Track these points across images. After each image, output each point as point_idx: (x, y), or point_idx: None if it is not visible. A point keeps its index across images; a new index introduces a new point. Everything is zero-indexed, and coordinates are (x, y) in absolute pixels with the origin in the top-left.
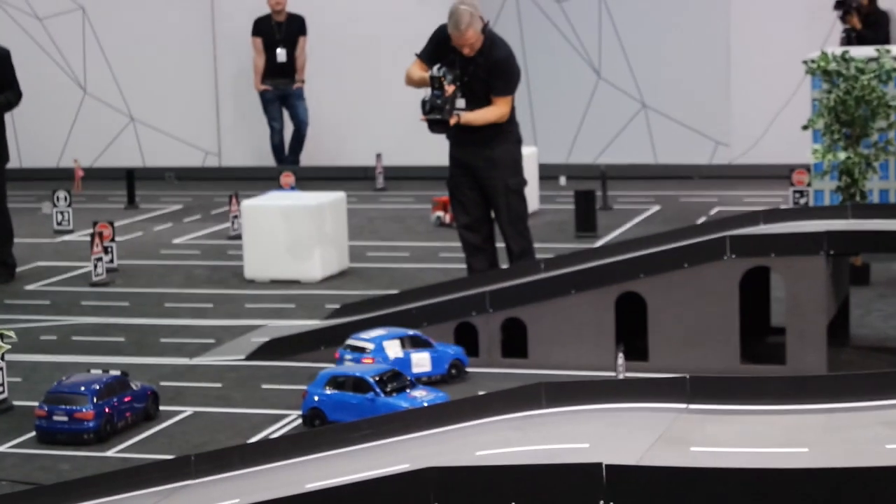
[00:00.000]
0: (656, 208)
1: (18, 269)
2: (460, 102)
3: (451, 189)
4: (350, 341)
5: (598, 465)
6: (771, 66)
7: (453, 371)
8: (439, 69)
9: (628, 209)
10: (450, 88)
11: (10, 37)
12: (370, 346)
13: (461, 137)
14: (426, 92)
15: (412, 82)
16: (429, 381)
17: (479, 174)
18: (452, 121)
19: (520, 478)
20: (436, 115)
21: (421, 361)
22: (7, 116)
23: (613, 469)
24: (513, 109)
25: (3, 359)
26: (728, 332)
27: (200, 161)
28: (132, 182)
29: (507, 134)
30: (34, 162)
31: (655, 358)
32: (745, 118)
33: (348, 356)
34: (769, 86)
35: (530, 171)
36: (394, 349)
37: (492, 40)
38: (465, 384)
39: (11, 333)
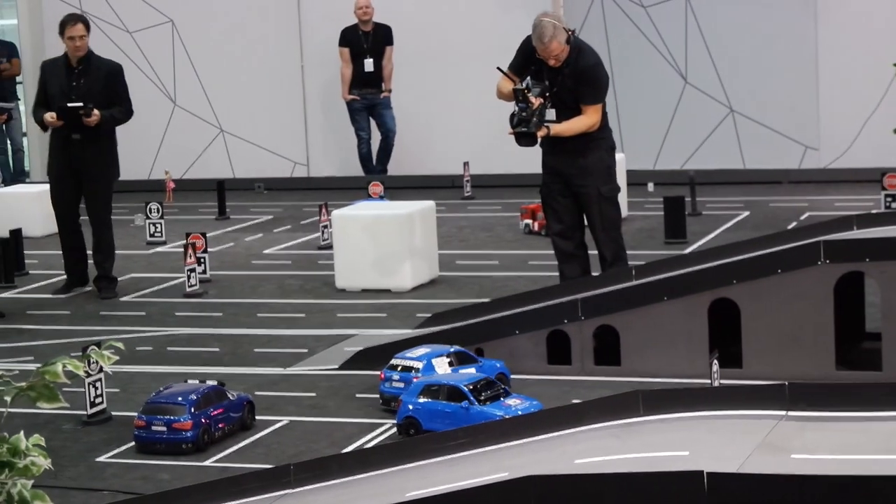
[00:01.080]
0: (746, 214)
1: (114, 278)
2: (550, 114)
3: (544, 196)
4: (396, 361)
5: (699, 472)
6: (859, 69)
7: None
8: (524, 82)
9: (717, 215)
10: (536, 101)
11: (101, 50)
12: (419, 364)
13: (554, 145)
14: (515, 105)
15: (502, 95)
16: None
17: (572, 182)
18: (541, 133)
19: (620, 486)
20: (522, 128)
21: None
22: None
23: (715, 477)
24: (605, 116)
25: (101, 370)
26: (823, 337)
27: (289, 171)
28: (222, 193)
29: (599, 141)
30: (126, 174)
31: (749, 365)
32: (835, 122)
33: (395, 376)
34: (858, 89)
35: (618, 178)
36: (442, 366)
37: (578, 49)
38: (557, 392)
39: (120, 345)
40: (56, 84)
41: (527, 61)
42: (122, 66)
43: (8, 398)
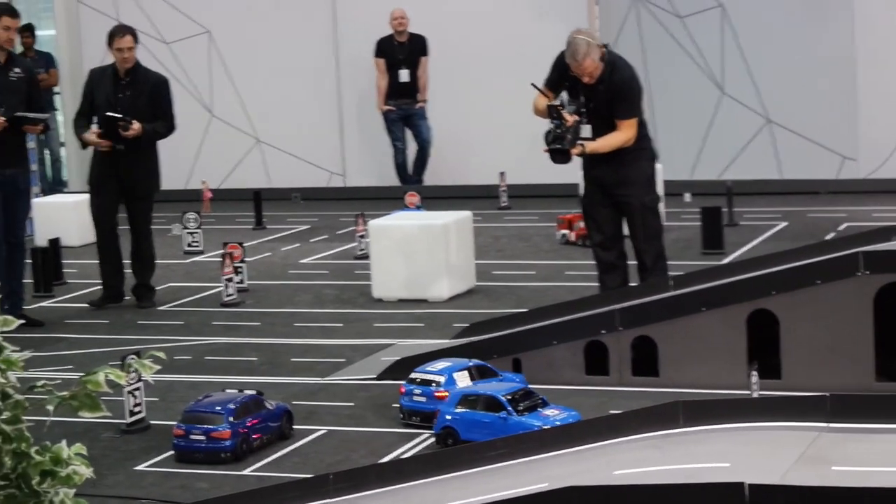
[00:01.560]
0: (783, 224)
1: (152, 288)
2: (585, 130)
3: (585, 206)
4: (417, 375)
5: (741, 484)
6: None
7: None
8: (558, 98)
9: (755, 225)
10: (571, 119)
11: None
12: (441, 378)
13: (596, 156)
14: (550, 122)
15: (538, 112)
16: None
17: (614, 192)
18: (575, 151)
19: (660, 497)
20: (557, 146)
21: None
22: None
23: (756, 489)
24: (644, 125)
25: (140, 379)
26: (863, 349)
27: (326, 182)
28: (259, 203)
29: (641, 151)
30: (164, 184)
31: (789, 376)
32: (873, 132)
33: (417, 390)
34: None
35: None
36: (464, 380)
37: (612, 65)
38: (595, 403)
39: (161, 354)
40: (102, 94)
41: (561, 77)
42: (168, 79)
43: (50, 407)
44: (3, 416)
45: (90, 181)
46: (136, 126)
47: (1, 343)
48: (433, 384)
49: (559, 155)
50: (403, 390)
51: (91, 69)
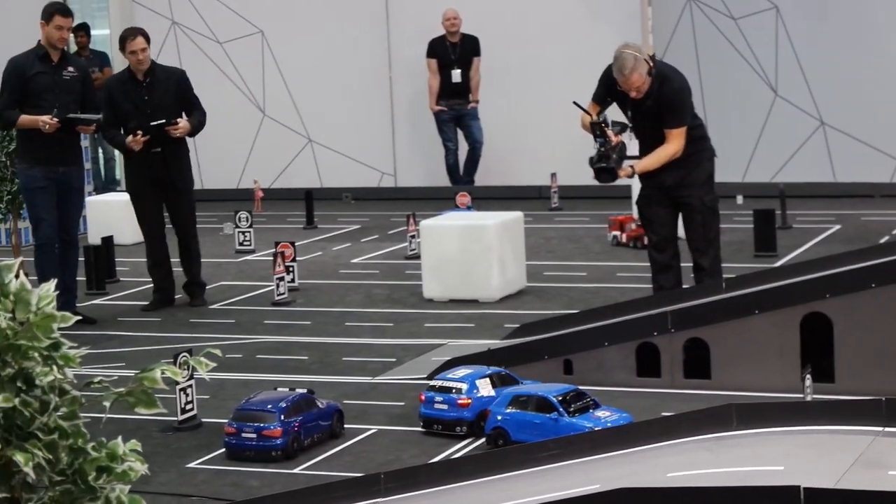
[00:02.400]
0: (836, 227)
1: (203, 287)
2: (632, 147)
3: (641, 207)
4: (438, 382)
5: (796, 487)
6: None
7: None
8: (601, 115)
9: (808, 228)
10: (616, 138)
11: (192, 60)
12: (463, 385)
13: (640, 136)
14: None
15: (585, 128)
16: None
17: (674, 192)
18: (625, 173)
19: (714, 500)
20: (602, 164)
21: None
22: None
23: (812, 492)
24: (702, 126)
25: (192, 377)
26: None
27: (377, 181)
28: (310, 202)
29: (701, 152)
30: (215, 183)
31: (842, 380)
32: None
33: (438, 398)
34: None
35: None
36: (486, 388)
37: (662, 76)
38: (647, 405)
39: (217, 352)
40: (127, 101)
41: (609, 92)
42: (185, 71)
43: (107, 403)
44: (60, 412)
45: (129, 188)
46: (182, 123)
47: (59, 339)
48: (455, 391)
49: (605, 174)
50: (423, 398)
51: (106, 80)
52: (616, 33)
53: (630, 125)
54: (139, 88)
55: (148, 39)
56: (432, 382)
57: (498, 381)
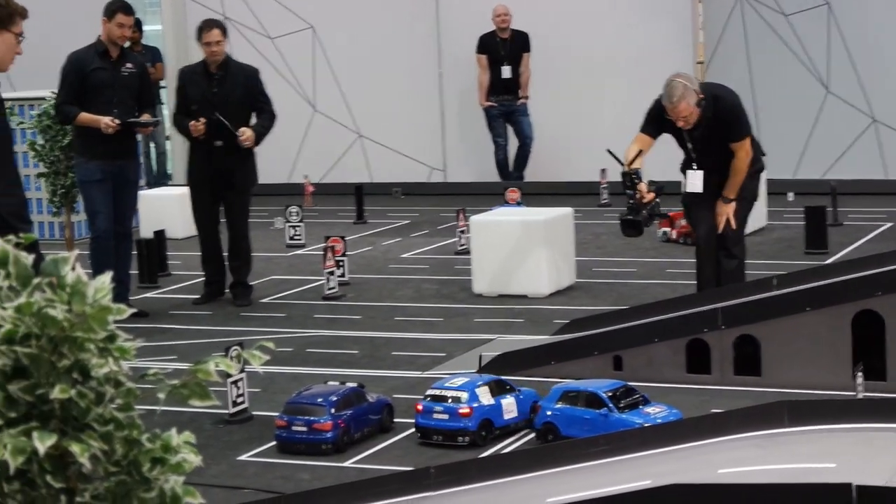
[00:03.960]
0: (888, 225)
1: (253, 283)
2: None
3: (689, 204)
4: (437, 392)
5: (848, 485)
6: None
7: (532, 414)
8: (632, 164)
9: (859, 225)
10: (648, 196)
11: (243, 56)
12: (463, 394)
13: (708, 164)
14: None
15: (626, 160)
16: (516, 427)
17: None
18: (725, 207)
19: (766, 497)
20: (629, 216)
21: (509, 407)
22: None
23: (864, 490)
24: (757, 145)
25: (243, 370)
26: None
27: (426, 177)
28: (360, 197)
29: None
30: (266, 178)
31: (894, 378)
32: None
33: (438, 408)
34: None
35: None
36: (485, 395)
37: (713, 98)
38: (696, 402)
39: (271, 345)
40: (196, 91)
41: (659, 121)
42: (258, 69)
43: (161, 395)
44: (116, 404)
45: (189, 180)
46: (248, 134)
47: (114, 331)
48: (455, 400)
49: (630, 228)
50: (422, 408)
51: (181, 68)
52: (666, 29)
53: (664, 185)
54: (209, 80)
55: (224, 32)
56: (430, 392)
57: (496, 389)
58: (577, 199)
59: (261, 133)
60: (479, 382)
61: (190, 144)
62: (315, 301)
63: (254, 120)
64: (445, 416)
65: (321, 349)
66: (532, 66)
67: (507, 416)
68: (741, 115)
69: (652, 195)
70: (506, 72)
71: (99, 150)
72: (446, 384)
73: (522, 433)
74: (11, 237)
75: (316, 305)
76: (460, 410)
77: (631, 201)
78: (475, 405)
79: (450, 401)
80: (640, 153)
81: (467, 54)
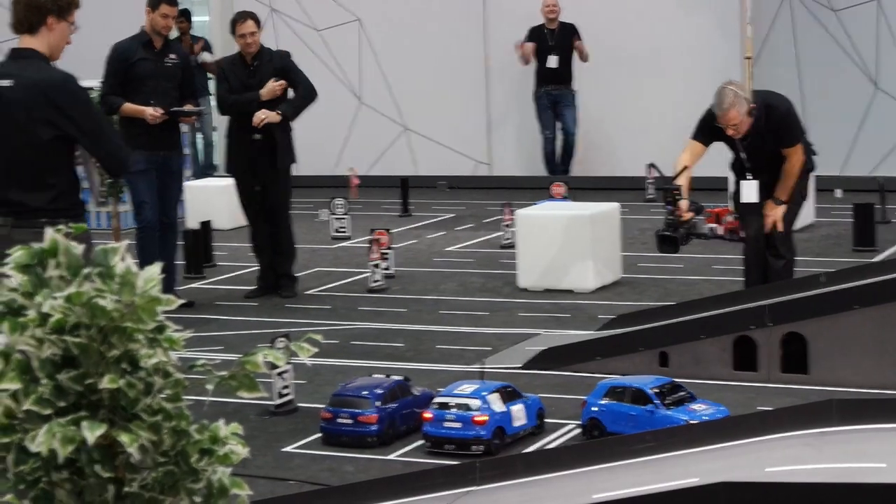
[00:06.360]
0: None
1: (299, 274)
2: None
3: (739, 202)
4: (446, 399)
5: None
6: None
7: (539, 421)
8: (675, 180)
9: None
10: (688, 215)
11: (289, 47)
12: (476, 401)
13: (758, 162)
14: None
15: (674, 170)
16: (525, 434)
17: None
18: (772, 210)
19: (816, 496)
20: (667, 232)
21: (519, 414)
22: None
23: None
24: (809, 145)
25: (287, 362)
26: None
27: (471, 170)
28: (406, 190)
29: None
30: (312, 170)
31: None
32: None
33: (450, 416)
34: None
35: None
36: (497, 402)
37: (766, 107)
38: (743, 399)
39: (319, 337)
40: (237, 82)
41: (712, 132)
42: (289, 52)
43: (210, 386)
44: (164, 394)
45: (228, 169)
46: (271, 115)
47: (163, 322)
48: (468, 408)
49: (667, 244)
50: (432, 416)
51: (222, 59)
52: (714, 23)
53: (704, 206)
54: (247, 71)
55: (258, 23)
56: (439, 400)
57: (506, 396)
58: (623, 193)
59: (289, 111)
60: (490, 389)
61: (228, 136)
62: (360, 293)
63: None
64: (458, 425)
65: (366, 342)
66: (575, 61)
67: (517, 424)
68: (794, 123)
69: (691, 214)
70: (552, 61)
71: (144, 140)
72: (455, 391)
73: (569, 429)
74: (62, 226)
75: (361, 298)
76: (475, 418)
77: (669, 217)
78: (489, 412)
79: (463, 409)
80: (685, 169)
81: (512, 44)
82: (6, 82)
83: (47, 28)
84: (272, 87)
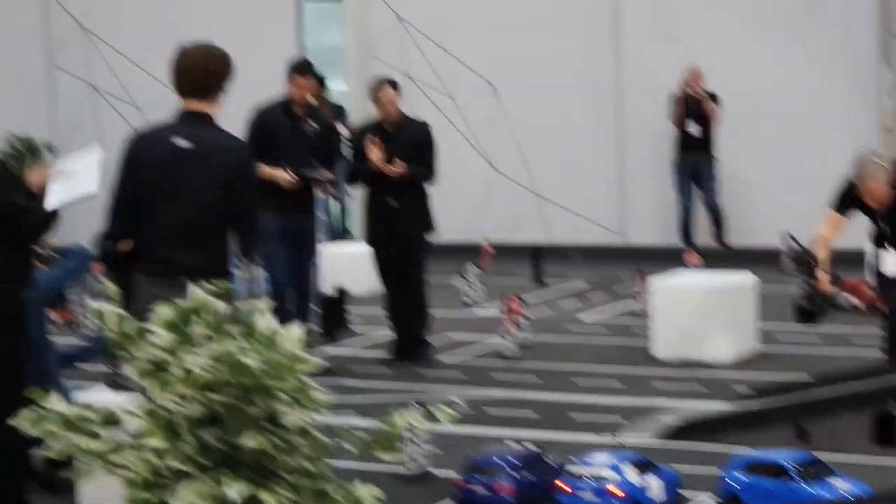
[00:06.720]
0: None
1: (432, 340)
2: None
3: (879, 274)
4: (579, 469)
5: None
6: None
7: (676, 496)
8: (813, 256)
9: None
10: (826, 287)
11: (424, 114)
12: (610, 473)
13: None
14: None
15: (813, 241)
16: None
17: None
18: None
19: None
20: (803, 304)
21: (654, 486)
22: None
23: None
24: None
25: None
26: None
27: (605, 238)
28: (539, 259)
29: None
30: (446, 236)
31: None
32: None
33: (585, 487)
34: None
35: None
36: (633, 474)
37: None
38: (883, 477)
39: (459, 401)
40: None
41: (849, 200)
42: (430, 126)
43: (351, 448)
44: (304, 454)
45: (366, 239)
46: (398, 169)
47: (307, 382)
48: (603, 479)
49: (805, 316)
50: (566, 487)
51: (359, 125)
52: (849, 92)
53: (843, 277)
54: (386, 137)
55: (397, 89)
56: (573, 469)
57: (642, 468)
58: (758, 263)
59: (415, 174)
60: (625, 459)
61: (366, 202)
62: (493, 361)
63: None
64: (595, 497)
65: (500, 409)
66: (719, 126)
67: (653, 496)
68: None
69: (830, 286)
70: (695, 130)
71: (278, 204)
72: (587, 460)
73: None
74: (208, 285)
75: (494, 366)
76: (611, 489)
77: (808, 289)
78: (626, 486)
79: (596, 479)
80: (824, 240)
81: (647, 112)
82: (185, 143)
83: (223, 93)
84: (395, 170)
